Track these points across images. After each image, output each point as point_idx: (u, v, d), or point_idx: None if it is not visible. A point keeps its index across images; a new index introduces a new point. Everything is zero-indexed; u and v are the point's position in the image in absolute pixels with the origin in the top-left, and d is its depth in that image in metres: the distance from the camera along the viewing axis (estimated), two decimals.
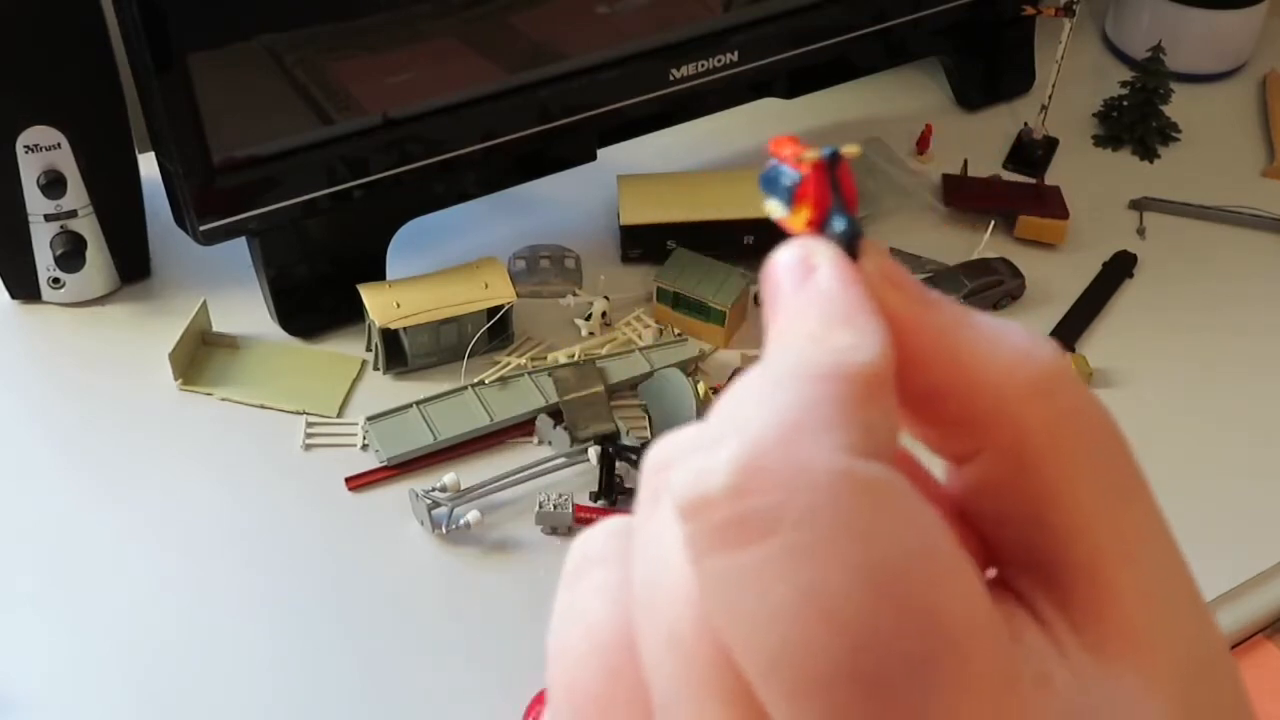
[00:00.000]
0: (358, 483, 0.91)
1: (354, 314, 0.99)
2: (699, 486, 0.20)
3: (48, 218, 0.96)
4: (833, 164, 0.23)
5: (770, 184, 0.24)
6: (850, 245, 0.23)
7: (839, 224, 0.23)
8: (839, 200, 0.23)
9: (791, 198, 0.23)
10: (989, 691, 0.19)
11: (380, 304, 0.96)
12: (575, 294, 1.06)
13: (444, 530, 0.86)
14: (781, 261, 0.23)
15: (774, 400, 0.20)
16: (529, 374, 0.97)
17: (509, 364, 0.99)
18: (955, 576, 0.19)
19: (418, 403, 0.94)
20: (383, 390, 0.98)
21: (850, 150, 0.23)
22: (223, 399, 0.96)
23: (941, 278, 1.06)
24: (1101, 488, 0.22)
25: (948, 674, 0.19)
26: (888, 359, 0.21)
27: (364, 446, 0.93)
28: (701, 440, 0.20)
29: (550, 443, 0.93)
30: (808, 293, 0.22)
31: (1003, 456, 0.23)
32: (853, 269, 0.22)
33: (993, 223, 1.11)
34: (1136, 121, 1.24)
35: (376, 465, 0.92)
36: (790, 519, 0.19)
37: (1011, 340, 0.23)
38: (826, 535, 0.19)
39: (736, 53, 1.04)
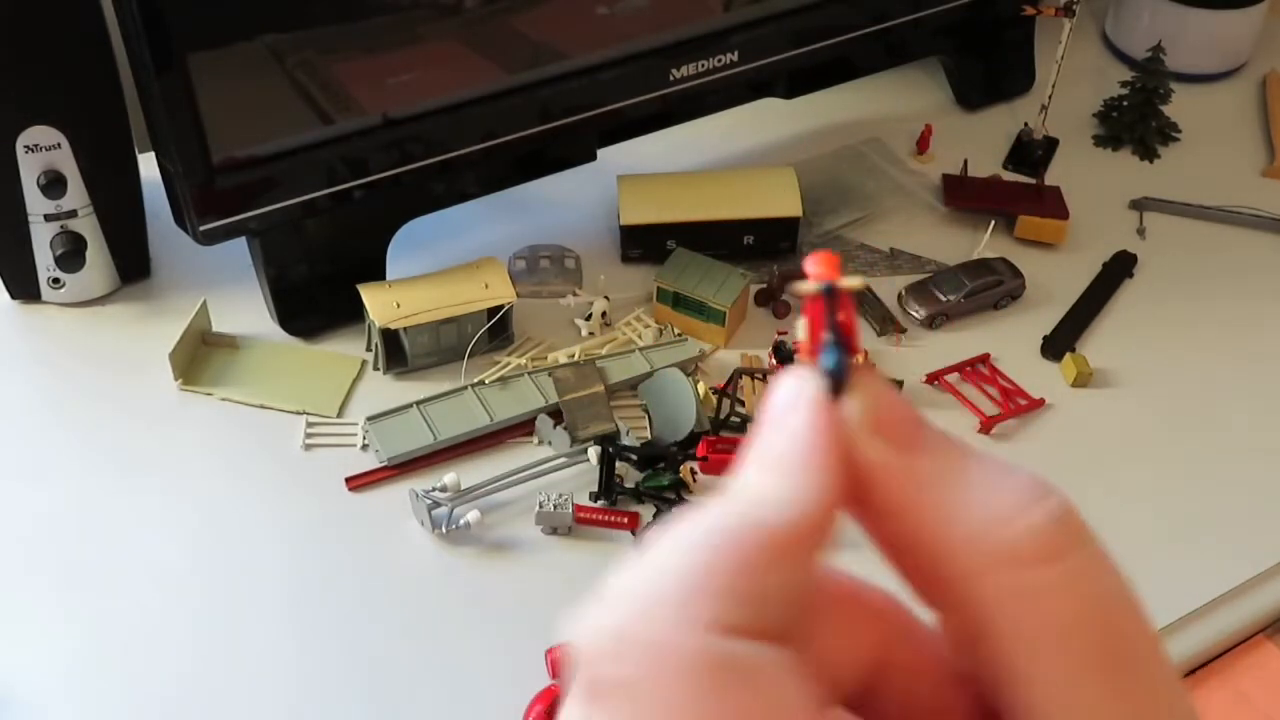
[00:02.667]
0: (358, 483, 0.91)
1: (354, 314, 0.99)
2: (577, 641, 0.20)
3: (48, 218, 0.96)
4: (829, 297, 0.23)
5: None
6: (836, 382, 0.23)
7: (826, 360, 0.23)
8: (834, 334, 0.23)
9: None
10: None
11: (380, 304, 0.96)
12: (575, 294, 1.06)
13: (444, 530, 0.86)
14: (775, 394, 0.23)
15: (665, 563, 0.20)
16: (529, 374, 0.97)
17: (509, 364, 0.99)
18: None
19: (418, 403, 0.94)
20: (383, 390, 0.98)
21: (849, 283, 0.23)
22: (223, 399, 0.96)
23: (941, 278, 1.06)
24: (1069, 673, 0.21)
25: None
26: (809, 519, 0.21)
27: (364, 446, 0.93)
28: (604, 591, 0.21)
29: (550, 443, 0.93)
30: (774, 432, 0.22)
31: (965, 622, 0.22)
32: (826, 413, 0.22)
33: (993, 223, 1.11)
34: (1136, 121, 1.24)
35: (376, 465, 0.92)
36: (635, 693, 0.19)
37: (997, 500, 0.21)
38: (663, 714, 0.19)
39: (736, 53, 1.04)
